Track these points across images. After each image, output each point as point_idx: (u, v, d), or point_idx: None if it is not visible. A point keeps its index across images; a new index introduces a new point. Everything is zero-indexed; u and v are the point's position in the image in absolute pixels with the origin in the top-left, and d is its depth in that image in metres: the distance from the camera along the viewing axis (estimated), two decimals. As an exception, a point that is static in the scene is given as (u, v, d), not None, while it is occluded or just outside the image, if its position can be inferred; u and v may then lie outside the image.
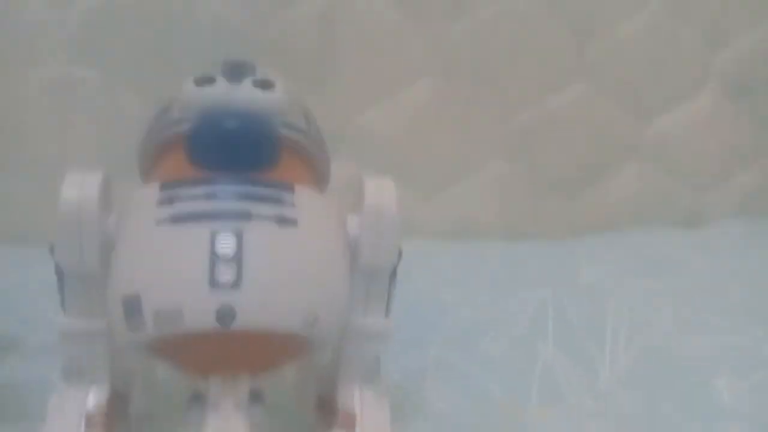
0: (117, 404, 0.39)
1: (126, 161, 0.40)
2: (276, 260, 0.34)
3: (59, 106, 0.69)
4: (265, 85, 0.37)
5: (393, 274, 0.39)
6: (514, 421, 0.45)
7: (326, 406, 0.40)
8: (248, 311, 0.33)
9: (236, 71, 0.37)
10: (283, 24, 0.71)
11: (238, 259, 0.33)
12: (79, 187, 0.36)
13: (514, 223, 0.78)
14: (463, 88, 0.75)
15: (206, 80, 0.37)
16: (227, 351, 0.34)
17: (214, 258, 0.33)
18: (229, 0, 0.70)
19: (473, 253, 0.71)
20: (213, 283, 0.33)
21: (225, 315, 0.33)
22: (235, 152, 0.35)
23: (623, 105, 0.79)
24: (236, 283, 0.33)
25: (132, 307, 0.34)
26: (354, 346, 0.39)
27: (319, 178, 0.39)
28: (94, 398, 0.38)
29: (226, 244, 0.33)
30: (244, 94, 0.36)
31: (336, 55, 0.73)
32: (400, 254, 0.39)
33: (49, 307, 0.40)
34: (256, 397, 0.36)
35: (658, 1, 0.78)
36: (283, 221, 0.34)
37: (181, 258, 0.33)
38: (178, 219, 0.34)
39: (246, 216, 0.34)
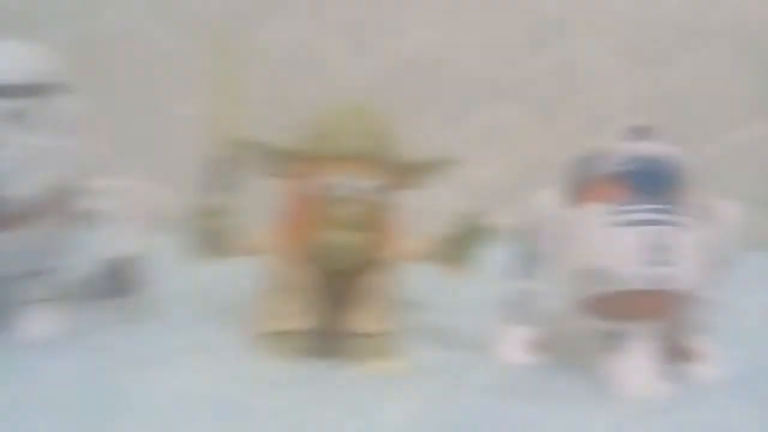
0: (540, 337, 0.63)
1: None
2: (683, 250, 0.56)
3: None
4: (669, 141, 0.60)
5: (730, 264, 0.61)
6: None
7: (675, 347, 0.63)
8: (669, 279, 0.56)
9: (647, 132, 0.60)
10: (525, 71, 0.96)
11: (663, 248, 0.56)
12: (548, 200, 0.61)
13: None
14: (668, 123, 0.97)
15: (632, 139, 0.60)
16: (649, 303, 0.57)
17: (650, 246, 0.56)
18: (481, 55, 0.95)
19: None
20: (650, 262, 0.56)
21: (657, 280, 0.56)
22: (655, 184, 0.58)
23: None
24: (663, 263, 0.56)
25: (596, 275, 0.57)
26: (699, 308, 0.62)
27: (689, 198, 0.61)
28: (528, 332, 0.63)
29: (657, 239, 0.56)
30: (662, 148, 0.59)
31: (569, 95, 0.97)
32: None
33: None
34: (654, 336, 0.59)
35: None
36: (684, 226, 0.57)
37: (630, 246, 0.56)
38: (626, 223, 0.57)
39: (665, 223, 0.57)
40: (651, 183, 0.58)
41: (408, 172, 0.63)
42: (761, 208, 1.00)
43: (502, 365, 0.62)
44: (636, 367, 0.58)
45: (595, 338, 0.61)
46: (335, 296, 0.61)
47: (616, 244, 0.57)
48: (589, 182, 0.61)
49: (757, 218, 0.97)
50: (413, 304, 0.71)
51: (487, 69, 0.98)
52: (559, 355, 0.63)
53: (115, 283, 0.66)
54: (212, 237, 0.60)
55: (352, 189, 0.59)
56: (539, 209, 0.61)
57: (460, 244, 0.61)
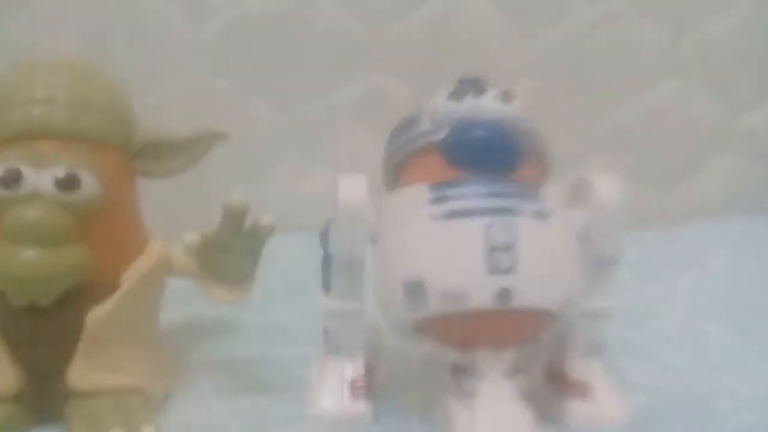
0: (368, 374, 0.44)
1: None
2: (541, 249, 0.39)
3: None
4: (506, 98, 0.41)
5: (616, 262, 0.43)
6: (703, 389, 0.48)
7: (556, 377, 0.45)
8: (522, 292, 0.38)
9: (478, 86, 0.42)
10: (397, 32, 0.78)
11: (511, 248, 0.38)
12: (353, 189, 0.41)
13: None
14: (563, 87, 0.80)
15: (457, 95, 0.41)
16: (498, 327, 0.39)
17: (490, 247, 0.38)
18: (347, 13, 0.76)
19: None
20: (492, 269, 0.38)
21: (504, 296, 0.37)
22: (491, 156, 0.40)
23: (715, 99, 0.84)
24: (511, 269, 0.38)
25: (415, 290, 0.39)
26: (584, 324, 0.44)
27: (546, 176, 0.44)
28: (351, 368, 0.44)
29: (501, 236, 0.38)
30: (492, 107, 0.41)
31: (445, 58, 0.78)
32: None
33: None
34: (516, 368, 0.40)
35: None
36: (541, 216, 0.39)
37: (461, 248, 0.39)
38: (453, 215, 0.39)
39: (511, 211, 0.39)
40: (484, 156, 0.40)
41: (147, 155, 0.44)
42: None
43: (311, 419, 0.43)
44: (488, 416, 0.40)
45: (437, 375, 0.43)
46: (42, 342, 0.41)
47: (438, 244, 0.39)
48: (405, 159, 0.43)
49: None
50: (194, 338, 0.52)
51: (353, 29, 0.78)
52: (391, 400, 0.45)
53: None
54: None
55: (38, 183, 0.39)
56: (345, 201, 0.42)
57: (224, 252, 0.42)
